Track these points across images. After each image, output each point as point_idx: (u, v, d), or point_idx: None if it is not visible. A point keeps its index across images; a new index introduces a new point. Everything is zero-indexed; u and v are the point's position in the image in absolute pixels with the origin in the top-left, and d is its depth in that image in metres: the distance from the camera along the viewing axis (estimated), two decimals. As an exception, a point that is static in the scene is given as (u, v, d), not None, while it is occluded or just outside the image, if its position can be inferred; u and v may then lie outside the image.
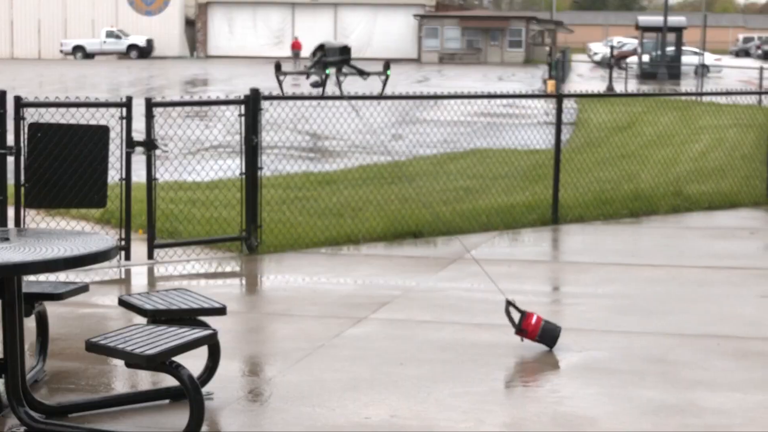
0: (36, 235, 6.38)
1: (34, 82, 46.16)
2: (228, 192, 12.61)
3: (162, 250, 10.76)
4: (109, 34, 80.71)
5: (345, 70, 7.79)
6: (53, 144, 9.02)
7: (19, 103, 9.77)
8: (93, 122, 9.85)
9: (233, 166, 13.73)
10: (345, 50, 7.69)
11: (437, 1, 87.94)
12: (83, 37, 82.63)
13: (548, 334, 7.53)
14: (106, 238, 6.35)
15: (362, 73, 7.88)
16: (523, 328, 7.56)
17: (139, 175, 10.87)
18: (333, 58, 7.65)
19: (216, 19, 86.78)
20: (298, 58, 69.92)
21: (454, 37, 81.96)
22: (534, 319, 7.55)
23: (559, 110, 13.23)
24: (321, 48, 7.73)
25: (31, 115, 9.69)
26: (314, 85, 7.70)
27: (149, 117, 10.47)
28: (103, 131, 9.19)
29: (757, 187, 14.92)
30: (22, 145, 9.41)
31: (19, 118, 9.62)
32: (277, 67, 8.12)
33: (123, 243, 10.36)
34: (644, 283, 9.91)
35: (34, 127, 9.08)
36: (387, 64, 7.86)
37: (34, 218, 10.60)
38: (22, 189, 9.37)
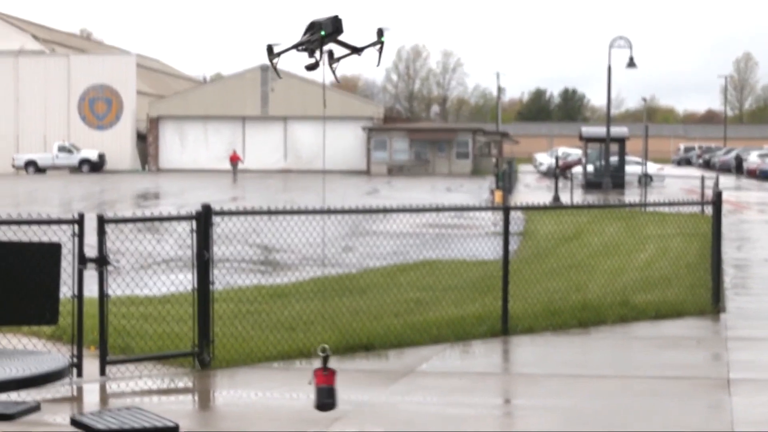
0: (-13, 355, 6.38)
1: (-16, 196, 46.03)
2: (180, 307, 12.62)
3: (114, 366, 10.74)
4: (61, 149, 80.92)
5: (338, 52, 7.79)
6: (4, 262, 9.02)
7: (-29, 222, 9.82)
8: (45, 238, 9.89)
9: (185, 281, 13.77)
10: (337, 21, 7.74)
11: (385, 114, 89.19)
12: (35, 152, 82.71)
13: (319, 396, 7.58)
14: (57, 357, 6.37)
15: (356, 50, 7.89)
16: (314, 375, 7.66)
17: (91, 290, 10.89)
18: (326, 28, 7.71)
19: (167, 133, 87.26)
20: (236, 171, 70.66)
21: (402, 149, 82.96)
22: (323, 378, 7.60)
23: (506, 222, 13.42)
24: (312, 26, 7.78)
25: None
26: (309, 68, 7.69)
27: (101, 233, 10.54)
28: (54, 249, 9.20)
29: (702, 295, 15.11)
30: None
31: (-30, 236, 9.65)
32: (269, 50, 8.17)
33: (75, 360, 10.34)
34: (594, 395, 10.02)
35: (-15, 246, 9.09)
36: (380, 31, 7.86)
37: (-16, 336, 10.56)
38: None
